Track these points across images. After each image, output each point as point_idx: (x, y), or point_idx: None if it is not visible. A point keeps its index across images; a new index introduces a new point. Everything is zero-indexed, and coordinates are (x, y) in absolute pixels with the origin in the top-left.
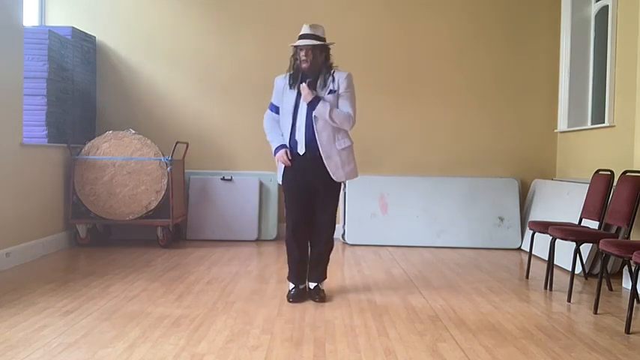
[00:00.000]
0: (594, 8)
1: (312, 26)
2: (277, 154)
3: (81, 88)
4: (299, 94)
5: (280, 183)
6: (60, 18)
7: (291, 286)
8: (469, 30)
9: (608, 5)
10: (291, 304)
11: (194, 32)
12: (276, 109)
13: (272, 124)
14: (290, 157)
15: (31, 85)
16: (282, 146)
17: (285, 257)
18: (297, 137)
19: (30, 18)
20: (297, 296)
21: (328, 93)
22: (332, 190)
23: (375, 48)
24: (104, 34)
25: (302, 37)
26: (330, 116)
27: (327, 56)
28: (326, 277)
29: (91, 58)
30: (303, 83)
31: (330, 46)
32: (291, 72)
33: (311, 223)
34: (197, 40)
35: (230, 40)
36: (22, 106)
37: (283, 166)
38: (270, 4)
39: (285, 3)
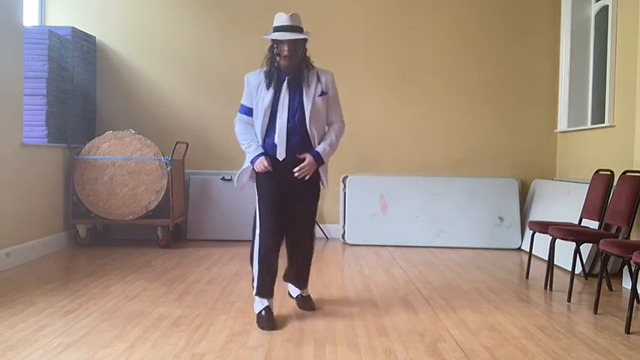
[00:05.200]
0: (594, 8)
1: (292, 16)
2: (256, 163)
3: (81, 88)
4: (277, 94)
5: (237, 186)
6: (60, 18)
7: (264, 304)
8: (469, 30)
9: (608, 5)
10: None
11: (194, 32)
12: (248, 112)
13: (247, 129)
14: (268, 164)
15: (31, 85)
16: (262, 154)
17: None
18: (276, 141)
19: (30, 18)
20: (272, 319)
21: (319, 95)
22: (315, 194)
23: (375, 48)
24: (104, 34)
25: (281, 29)
26: (335, 148)
27: (305, 50)
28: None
29: (91, 58)
30: (303, 169)
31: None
32: (266, 69)
33: (287, 231)
34: (197, 39)
35: (230, 39)
36: (22, 106)
37: (255, 172)
38: (270, 4)
39: (285, 2)
